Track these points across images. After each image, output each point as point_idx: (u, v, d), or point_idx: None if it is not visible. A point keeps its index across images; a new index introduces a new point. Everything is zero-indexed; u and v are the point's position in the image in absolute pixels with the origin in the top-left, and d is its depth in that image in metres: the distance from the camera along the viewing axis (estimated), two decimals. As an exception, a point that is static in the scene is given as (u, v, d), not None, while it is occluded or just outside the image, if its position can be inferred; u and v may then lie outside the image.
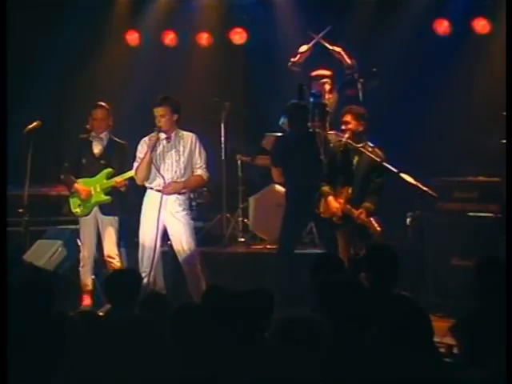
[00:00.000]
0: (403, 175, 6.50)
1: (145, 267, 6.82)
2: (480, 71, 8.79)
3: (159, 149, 6.87)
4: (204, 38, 9.64)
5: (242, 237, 8.54)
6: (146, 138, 6.99)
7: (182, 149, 6.92)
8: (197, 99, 9.13)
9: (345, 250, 6.67)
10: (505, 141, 6.90)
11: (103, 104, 7.43)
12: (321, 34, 8.13)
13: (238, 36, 9.59)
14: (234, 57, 9.50)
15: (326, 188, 6.84)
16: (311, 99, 7.82)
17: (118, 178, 7.27)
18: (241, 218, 8.59)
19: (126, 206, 7.56)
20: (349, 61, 7.99)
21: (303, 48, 8.14)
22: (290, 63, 8.13)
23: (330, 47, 8.09)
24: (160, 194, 6.87)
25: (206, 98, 8.91)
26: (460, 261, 7.31)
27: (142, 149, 6.96)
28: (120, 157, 7.36)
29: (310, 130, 7.47)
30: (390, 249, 5.06)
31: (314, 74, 8.08)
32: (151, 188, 6.96)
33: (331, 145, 7.72)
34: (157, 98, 6.92)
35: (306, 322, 3.58)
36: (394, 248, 5.06)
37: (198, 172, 7.00)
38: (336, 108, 7.93)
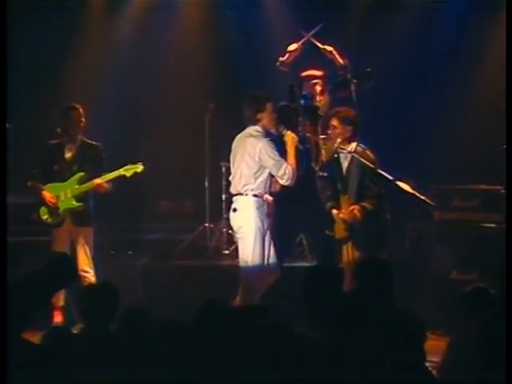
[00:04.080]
0: (399, 183, 6.51)
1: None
2: (481, 73, 8.88)
3: None
4: (186, 36, 9.63)
5: (227, 249, 8.46)
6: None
7: None
8: (179, 101, 9.14)
9: (348, 261, 6.71)
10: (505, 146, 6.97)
11: (76, 105, 7.42)
12: (311, 32, 8.13)
13: (224, 33, 9.58)
14: (219, 56, 9.50)
15: (329, 203, 6.90)
16: (302, 101, 7.85)
17: (98, 180, 7.24)
18: (225, 229, 8.52)
19: (101, 214, 7.53)
20: (341, 60, 7.98)
21: (292, 47, 8.13)
22: (278, 63, 8.14)
23: (322, 46, 8.07)
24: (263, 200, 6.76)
25: (188, 100, 8.93)
26: (460, 275, 7.34)
27: None
28: (94, 160, 7.36)
29: (301, 135, 7.49)
30: (383, 261, 5.09)
31: (305, 74, 8.08)
32: (256, 195, 6.72)
33: (323, 151, 7.75)
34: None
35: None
36: (389, 260, 5.08)
37: None
38: (328, 111, 7.94)
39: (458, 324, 4.59)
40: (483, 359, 4.05)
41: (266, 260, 6.70)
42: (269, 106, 6.69)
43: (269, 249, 6.71)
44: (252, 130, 6.75)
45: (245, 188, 6.72)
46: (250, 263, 6.70)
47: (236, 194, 6.77)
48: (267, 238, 6.71)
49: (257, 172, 6.71)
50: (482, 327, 4.21)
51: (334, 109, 6.96)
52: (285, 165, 6.64)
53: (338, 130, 6.80)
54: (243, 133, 6.83)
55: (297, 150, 6.77)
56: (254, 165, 6.70)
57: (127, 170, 7.27)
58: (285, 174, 6.65)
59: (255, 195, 6.71)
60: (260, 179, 6.70)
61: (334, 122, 6.82)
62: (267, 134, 6.75)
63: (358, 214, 6.67)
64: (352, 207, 6.68)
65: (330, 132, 6.86)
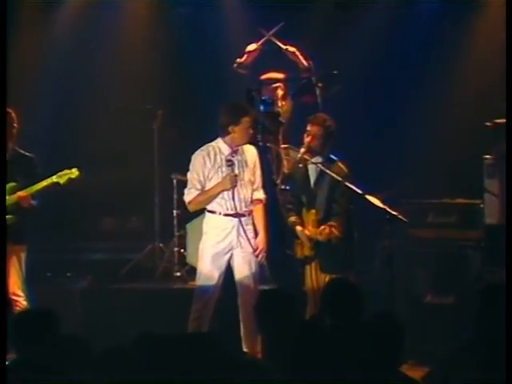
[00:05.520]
0: (369, 197, 6.50)
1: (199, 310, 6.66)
2: (458, 76, 8.95)
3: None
4: (132, 35, 9.55)
5: (178, 270, 8.42)
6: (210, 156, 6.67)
7: (245, 165, 6.74)
8: (124, 106, 9.07)
9: (312, 285, 6.68)
10: (488, 156, 7.11)
11: (8, 110, 7.29)
12: (272, 31, 8.17)
13: (175, 32, 9.52)
14: (170, 57, 9.44)
15: (292, 218, 6.81)
16: (261, 107, 7.83)
17: (22, 192, 7.11)
18: (176, 249, 8.49)
19: (36, 231, 7.39)
20: (305, 62, 8.06)
21: (251, 47, 8.19)
22: (235, 65, 8.13)
23: (284, 46, 8.12)
24: (232, 218, 6.65)
25: (135, 106, 8.88)
26: (436, 298, 7.34)
27: (206, 169, 6.65)
28: (26, 174, 7.22)
29: (260, 144, 7.47)
30: (350, 284, 5.12)
31: (265, 77, 8.12)
32: (213, 211, 6.69)
33: (284, 162, 7.71)
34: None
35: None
36: (357, 282, 5.06)
37: (260, 195, 6.80)
38: (290, 117, 7.94)
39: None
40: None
41: (220, 282, 6.69)
42: (245, 120, 6.63)
43: (228, 270, 6.71)
44: (213, 143, 6.73)
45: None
46: (199, 284, 6.78)
47: None
48: (234, 258, 6.68)
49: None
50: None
51: (318, 116, 6.86)
52: (192, 190, 6.64)
53: (319, 141, 6.72)
54: None
55: (219, 188, 6.63)
56: None
57: (60, 177, 7.15)
58: (186, 194, 6.71)
59: (210, 211, 6.72)
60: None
61: (320, 132, 6.73)
62: (233, 152, 6.65)
63: (335, 231, 6.62)
64: (324, 226, 6.62)
65: (308, 141, 6.73)
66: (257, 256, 6.66)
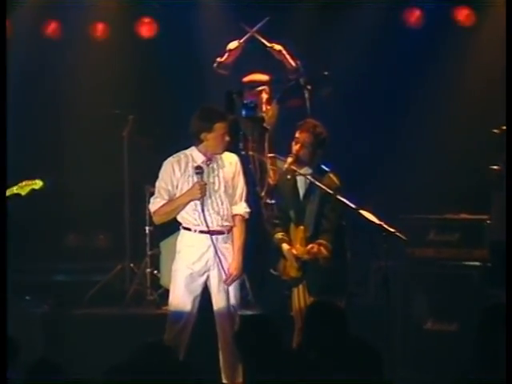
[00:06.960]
0: (363, 212, 6.47)
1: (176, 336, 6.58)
2: (456, 78, 9.07)
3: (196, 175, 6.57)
4: (99, 30, 9.50)
5: (151, 294, 8.41)
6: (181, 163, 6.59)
7: (221, 175, 6.64)
8: (91, 111, 9.04)
9: (300, 309, 6.65)
10: (496, 166, 7.18)
11: None
12: (256, 27, 8.17)
13: (146, 28, 9.51)
14: (142, 56, 9.49)
15: (278, 235, 6.77)
16: (243, 112, 7.81)
17: None
18: (149, 269, 8.48)
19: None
20: (292, 62, 8.03)
21: (233, 45, 8.16)
22: (215, 64, 8.09)
23: (269, 45, 8.11)
24: (207, 235, 6.56)
25: (103, 110, 8.88)
26: (437, 324, 7.30)
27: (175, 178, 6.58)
28: None
29: (242, 153, 7.48)
30: (334, 307, 5.14)
31: (248, 79, 8.12)
32: (188, 229, 6.63)
33: (270, 173, 7.70)
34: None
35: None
36: (343, 307, 5.03)
37: (239, 210, 6.67)
38: (276, 123, 7.91)
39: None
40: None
41: (195, 307, 6.63)
42: (218, 126, 6.52)
43: (204, 294, 6.63)
44: (187, 150, 6.64)
45: (178, 219, 6.68)
46: (172, 309, 6.74)
47: None
48: (211, 280, 6.60)
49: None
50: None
51: (308, 122, 6.83)
52: (158, 199, 6.60)
53: (309, 150, 6.69)
54: None
55: (186, 198, 6.55)
56: None
57: (22, 188, 7.09)
58: (151, 203, 6.67)
59: (185, 228, 6.64)
60: (184, 209, 6.61)
61: (309, 139, 6.71)
62: (207, 160, 6.58)
63: (324, 251, 6.58)
64: (312, 245, 6.60)
65: (296, 149, 6.71)
66: (225, 282, 6.53)
